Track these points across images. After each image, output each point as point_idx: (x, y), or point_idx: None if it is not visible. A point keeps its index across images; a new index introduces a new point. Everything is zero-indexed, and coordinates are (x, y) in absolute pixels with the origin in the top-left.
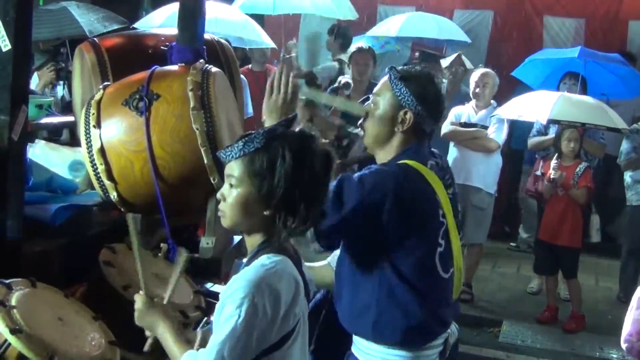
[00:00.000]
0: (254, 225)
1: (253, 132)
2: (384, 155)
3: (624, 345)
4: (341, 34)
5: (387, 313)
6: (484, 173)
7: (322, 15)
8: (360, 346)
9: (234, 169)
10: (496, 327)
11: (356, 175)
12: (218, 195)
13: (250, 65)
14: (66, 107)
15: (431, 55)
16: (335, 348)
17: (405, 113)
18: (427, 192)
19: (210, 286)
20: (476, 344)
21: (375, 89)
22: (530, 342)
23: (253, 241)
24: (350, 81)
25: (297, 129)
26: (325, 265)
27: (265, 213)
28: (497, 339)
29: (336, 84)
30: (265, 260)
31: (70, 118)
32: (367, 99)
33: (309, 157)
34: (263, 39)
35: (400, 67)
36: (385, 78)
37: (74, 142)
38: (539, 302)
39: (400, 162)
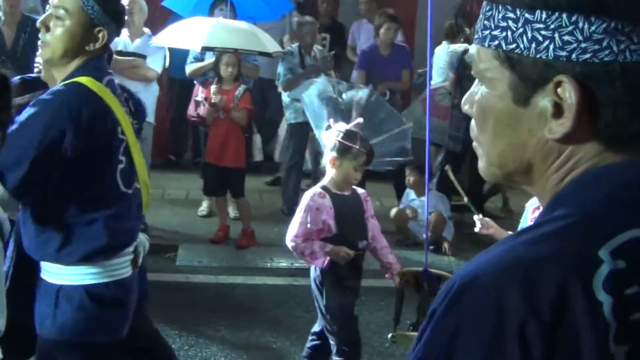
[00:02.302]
0: None
1: None
2: (61, 73)
3: (290, 245)
4: None
5: (71, 238)
6: (144, 103)
7: None
8: (48, 269)
9: None
10: (172, 252)
11: (23, 118)
12: None
13: None
14: None
15: None
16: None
17: (99, 31)
18: (104, 111)
19: None
20: (155, 270)
21: (56, 2)
22: (206, 262)
23: None
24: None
25: None
26: None
27: None
28: (174, 264)
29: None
30: None
31: None
32: None
33: None
34: None
35: None
36: None
37: None
38: (210, 224)
39: (73, 81)
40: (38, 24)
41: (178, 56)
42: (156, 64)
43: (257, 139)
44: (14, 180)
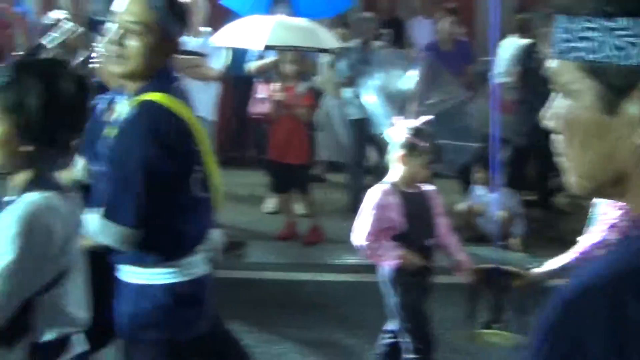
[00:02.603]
0: (18, 163)
1: (0, 66)
2: (135, 83)
3: (358, 244)
4: None
5: (150, 241)
6: (205, 101)
7: None
8: (126, 270)
9: None
10: (240, 249)
11: (117, 156)
12: None
13: None
14: None
15: None
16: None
17: (172, 41)
18: (180, 126)
19: None
20: (223, 268)
21: (132, 18)
22: (274, 258)
23: (20, 179)
24: (65, 15)
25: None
26: None
27: (26, 148)
28: (244, 260)
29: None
30: (36, 196)
31: None
32: None
33: (60, 83)
34: None
35: None
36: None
37: None
38: (277, 221)
39: (147, 100)
40: (111, 39)
41: (239, 54)
42: (217, 63)
43: (321, 135)
44: (132, 218)
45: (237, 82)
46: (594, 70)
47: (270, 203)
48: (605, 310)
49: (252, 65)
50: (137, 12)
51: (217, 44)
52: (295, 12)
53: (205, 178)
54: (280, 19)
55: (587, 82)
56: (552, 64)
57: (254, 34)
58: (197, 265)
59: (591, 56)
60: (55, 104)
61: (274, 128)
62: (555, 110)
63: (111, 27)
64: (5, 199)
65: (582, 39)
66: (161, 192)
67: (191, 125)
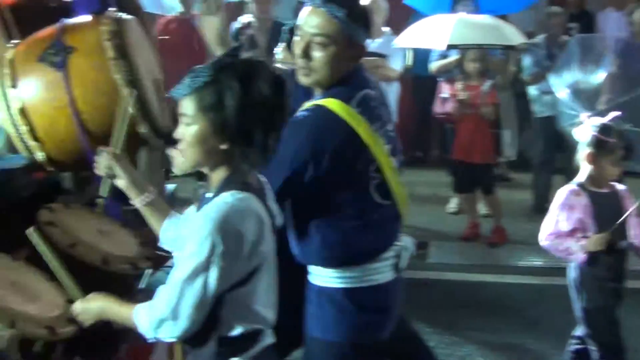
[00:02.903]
0: (214, 161)
1: (200, 66)
2: (321, 91)
3: (544, 243)
4: None
5: (333, 243)
6: None
7: None
8: (312, 271)
9: (186, 107)
10: (423, 249)
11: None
12: (176, 135)
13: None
14: None
15: None
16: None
17: (358, 48)
18: (349, 138)
19: None
20: (407, 268)
21: (317, 30)
22: (457, 259)
23: (216, 178)
24: (252, 20)
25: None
26: None
27: (222, 147)
28: (425, 261)
29: (239, 25)
30: (229, 197)
31: None
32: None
33: (258, 83)
34: None
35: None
36: (310, 8)
37: None
38: (460, 221)
39: (320, 106)
40: (297, 53)
41: (422, 54)
42: (397, 64)
43: (506, 134)
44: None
45: (420, 81)
46: None
47: (454, 203)
48: None
49: (435, 65)
50: (319, 24)
51: (399, 45)
52: (478, 9)
53: (385, 185)
54: (462, 17)
55: None
56: None
57: (435, 33)
58: (381, 271)
59: None
60: (253, 104)
61: (458, 127)
62: None
63: (296, 41)
64: (206, 195)
65: None
66: (335, 191)
67: (364, 137)
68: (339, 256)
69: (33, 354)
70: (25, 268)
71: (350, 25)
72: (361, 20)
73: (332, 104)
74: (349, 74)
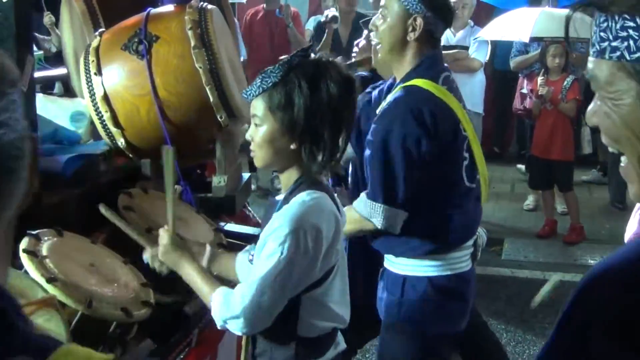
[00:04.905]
0: (285, 161)
1: (270, 67)
2: (399, 68)
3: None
4: None
5: (417, 232)
6: (469, 93)
7: None
8: (392, 261)
9: (256, 107)
10: (498, 245)
11: (377, 138)
12: (247, 136)
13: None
14: (52, 59)
15: None
16: (368, 264)
17: (415, 19)
18: (445, 111)
19: (222, 225)
20: (480, 264)
21: (382, 2)
22: (532, 257)
23: (288, 178)
24: (337, 14)
25: (315, 57)
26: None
27: (292, 147)
28: (500, 257)
29: (323, 18)
30: (305, 196)
31: (62, 70)
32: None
33: (326, 84)
34: None
35: None
36: None
37: (68, 94)
38: (537, 218)
39: (410, 84)
40: (370, 26)
41: (502, 49)
42: (480, 54)
43: (586, 131)
44: (398, 198)
45: (500, 76)
46: (635, 69)
47: (531, 200)
48: (611, 298)
49: (515, 60)
50: (390, 5)
51: (482, 38)
52: (558, 4)
53: (473, 167)
54: (545, 10)
55: (628, 81)
56: (589, 64)
57: (518, 26)
58: (462, 260)
59: (631, 55)
60: (322, 104)
61: (538, 123)
62: (598, 109)
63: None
64: (277, 197)
65: (621, 38)
66: (430, 177)
67: (456, 112)
68: (426, 246)
69: (108, 335)
70: (103, 251)
71: (416, 4)
72: (435, 7)
73: (421, 82)
74: (427, 58)
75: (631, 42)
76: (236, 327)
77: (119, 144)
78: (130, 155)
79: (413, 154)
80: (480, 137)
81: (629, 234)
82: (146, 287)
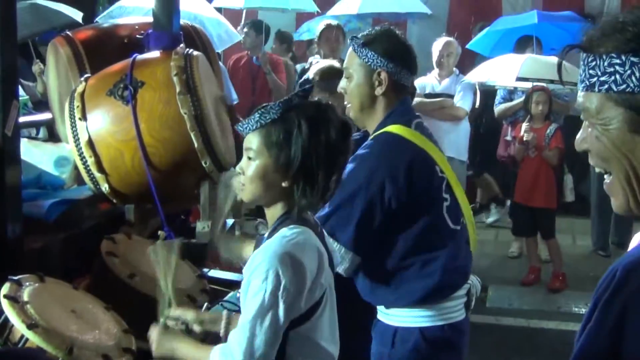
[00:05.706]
0: (273, 197)
1: (269, 103)
2: (371, 123)
3: None
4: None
5: (404, 279)
6: (454, 141)
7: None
8: (385, 312)
9: (251, 141)
10: (482, 292)
11: (344, 176)
12: (237, 168)
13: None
14: (37, 104)
15: None
16: (361, 316)
17: (379, 74)
18: (418, 155)
19: (207, 271)
20: None
21: (345, 64)
22: (517, 304)
23: (273, 213)
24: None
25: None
26: None
27: (283, 184)
28: (484, 304)
29: (307, 65)
30: (287, 232)
31: (47, 115)
32: None
33: (325, 127)
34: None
35: (360, 34)
36: (350, 49)
37: (52, 139)
38: (520, 265)
39: (383, 131)
40: (339, 89)
41: (487, 96)
42: (465, 102)
43: (569, 179)
44: (346, 239)
45: (485, 123)
46: (622, 98)
47: (515, 247)
48: None
49: (499, 108)
50: (347, 62)
51: (468, 82)
52: (542, 51)
53: (457, 209)
54: (531, 56)
55: (616, 109)
56: (579, 98)
57: (505, 69)
58: (456, 309)
59: (618, 87)
60: (320, 146)
61: (521, 171)
62: (587, 136)
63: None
64: (263, 233)
65: (608, 73)
66: (406, 220)
67: (431, 154)
68: (416, 294)
69: None
70: (85, 297)
71: (367, 53)
72: (383, 49)
73: (393, 128)
74: (399, 106)
75: (617, 76)
76: None
77: (103, 189)
78: (114, 200)
79: (374, 199)
80: (464, 185)
81: (634, 243)
82: (128, 334)
